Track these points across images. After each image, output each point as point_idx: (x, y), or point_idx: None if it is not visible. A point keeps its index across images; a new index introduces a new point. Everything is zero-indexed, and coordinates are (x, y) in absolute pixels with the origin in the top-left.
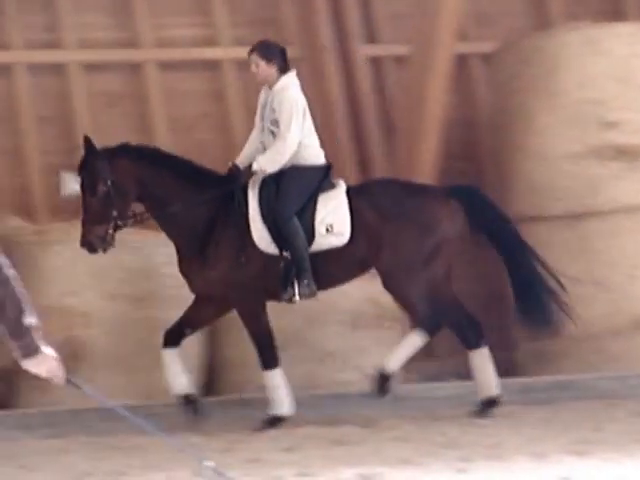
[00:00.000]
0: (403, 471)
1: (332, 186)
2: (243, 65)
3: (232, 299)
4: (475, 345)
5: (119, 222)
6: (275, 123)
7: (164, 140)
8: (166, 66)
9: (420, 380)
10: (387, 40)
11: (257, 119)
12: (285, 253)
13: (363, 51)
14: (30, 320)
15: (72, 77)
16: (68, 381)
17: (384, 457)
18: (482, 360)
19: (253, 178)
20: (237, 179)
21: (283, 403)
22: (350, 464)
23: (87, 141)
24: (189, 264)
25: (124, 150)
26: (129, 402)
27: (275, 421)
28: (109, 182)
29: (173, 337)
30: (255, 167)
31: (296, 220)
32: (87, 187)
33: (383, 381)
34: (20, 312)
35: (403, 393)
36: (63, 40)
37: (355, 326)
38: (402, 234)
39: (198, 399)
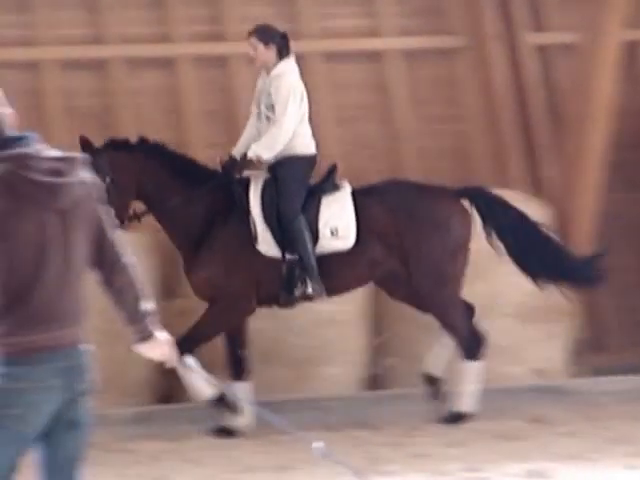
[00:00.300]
0: (572, 467)
1: (336, 188)
2: (407, 56)
3: (216, 301)
4: (472, 357)
5: (116, 220)
6: (271, 108)
7: (328, 131)
8: (330, 57)
9: (591, 374)
10: (554, 28)
11: (253, 106)
12: (288, 256)
13: (530, 39)
14: (146, 305)
15: (235, 70)
16: (179, 365)
17: (552, 452)
18: (473, 374)
19: (254, 172)
20: (230, 173)
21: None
22: (517, 459)
23: (83, 140)
24: (186, 263)
25: (121, 145)
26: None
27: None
28: (107, 179)
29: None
30: (250, 154)
31: (303, 218)
32: None
33: (434, 384)
34: (138, 298)
35: (572, 387)
36: (227, 32)
37: (523, 319)
38: (425, 239)
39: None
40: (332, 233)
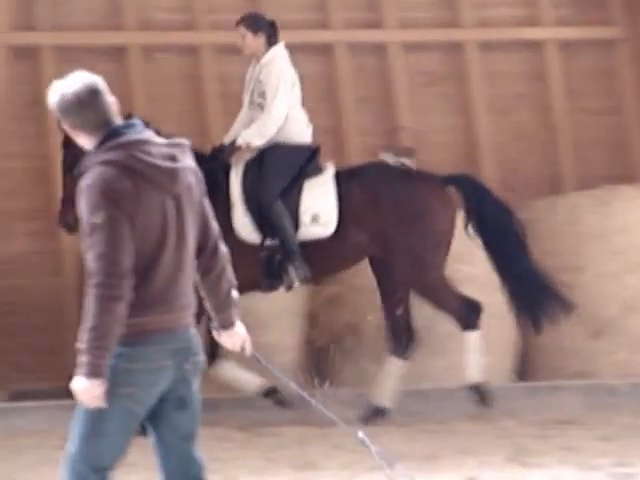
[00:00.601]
0: None
1: (319, 171)
2: (565, 46)
3: None
4: (468, 326)
5: None
6: (262, 95)
7: (482, 121)
8: (486, 46)
9: None
10: None
11: (245, 94)
12: (268, 241)
13: None
14: (235, 294)
15: (392, 57)
16: (253, 355)
17: None
18: (472, 344)
19: (236, 157)
20: (216, 158)
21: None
22: None
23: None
24: None
25: None
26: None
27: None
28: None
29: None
30: (240, 141)
31: (280, 203)
32: (66, 166)
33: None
34: (231, 287)
35: None
36: (384, 20)
37: None
38: (406, 226)
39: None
40: (313, 219)
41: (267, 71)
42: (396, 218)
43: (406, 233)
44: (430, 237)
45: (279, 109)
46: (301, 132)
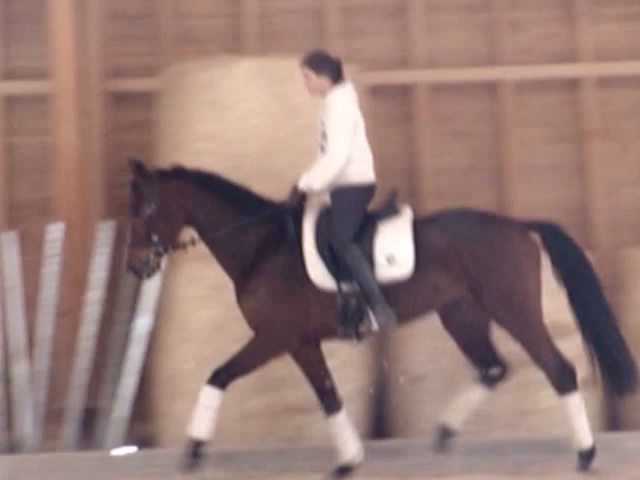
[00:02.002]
0: None
1: (394, 214)
2: None
3: (260, 332)
4: (566, 391)
5: (159, 248)
6: (324, 137)
7: None
8: None
9: None
10: None
11: (317, 137)
12: (345, 287)
13: None
14: None
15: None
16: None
17: None
18: (573, 408)
19: (311, 203)
20: (286, 203)
21: (199, 426)
22: None
23: (133, 164)
24: (237, 293)
25: (175, 173)
26: None
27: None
28: (153, 205)
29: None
30: (300, 185)
31: (356, 246)
32: (133, 208)
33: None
34: None
35: None
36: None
37: None
38: (493, 264)
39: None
40: (388, 260)
41: (328, 112)
42: (478, 257)
43: (492, 271)
44: (518, 279)
45: (341, 152)
46: (362, 174)
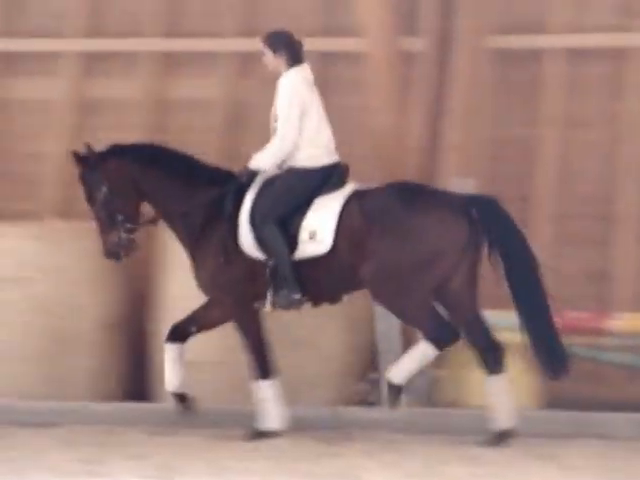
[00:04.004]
0: None
1: (337, 188)
2: None
3: (222, 302)
4: (494, 370)
5: (128, 225)
6: (276, 118)
7: None
8: None
9: None
10: None
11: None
12: (270, 261)
13: None
14: None
15: None
16: None
17: None
18: (499, 388)
19: (258, 180)
20: (234, 179)
21: (271, 418)
22: None
23: (74, 155)
24: (191, 264)
25: (113, 152)
26: None
27: (260, 435)
28: (103, 188)
29: (178, 333)
30: (252, 164)
31: (272, 226)
32: (87, 198)
33: (395, 393)
34: None
35: None
36: None
37: None
38: (386, 242)
39: (190, 398)
40: (310, 237)
41: (279, 94)
42: (387, 237)
43: (391, 251)
44: (414, 259)
45: (287, 135)
46: (315, 158)
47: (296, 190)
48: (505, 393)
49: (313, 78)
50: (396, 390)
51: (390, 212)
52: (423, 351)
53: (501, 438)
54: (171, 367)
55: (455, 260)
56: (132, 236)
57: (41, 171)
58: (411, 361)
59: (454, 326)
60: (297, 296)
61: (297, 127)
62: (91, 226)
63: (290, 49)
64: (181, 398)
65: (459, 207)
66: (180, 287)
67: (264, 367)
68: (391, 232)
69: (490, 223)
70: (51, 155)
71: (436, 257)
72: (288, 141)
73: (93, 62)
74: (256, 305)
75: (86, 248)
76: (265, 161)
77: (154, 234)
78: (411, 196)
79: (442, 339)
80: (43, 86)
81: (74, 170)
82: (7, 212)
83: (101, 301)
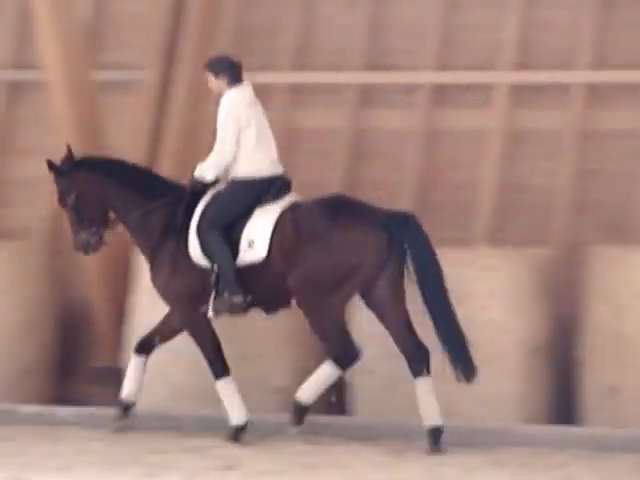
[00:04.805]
0: None
1: (277, 199)
2: None
3: (173, 309)
4: (419, 372)
5: (93, 229)
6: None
7: None
8: None
9: None
10: None
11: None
12: (214, 267)
13: None
14: None
15: None
16: None
17: None
18: (426, 389)
19: (209, 190)
20: (184, 189)
21: (236, 412)
22: None
23: (48, 163)
24: (149, 271)
25: (81, 165)
26: None
27: (238, 432)
28: (72, 195)
29: (143, 345)
30: (195, 174)
31: (215, 233)
32: (59, 201)
33: (300, 412)
34: None
35: None
36: None
37: None
38: (311, 252)
39: (130, 412)
40: (249, 245)
41: (219, 111)
42: (312, 248)
43: (315, 260)
44: (330, 266)
45: (225, 149)
46: (252, 169)
47: (237, 199)
48: (431, 394)
49: (253, 96)
50: (302, 409)
51: (317, 224)
52: (328, 371)
53: (432, 435)
54: (129, 376)
55: (374, 272)
56: (98, 237)
57: (472, 200)
58: (316, 382)
59: (356, 346)
60: (239, 299)
61: (233, 142)
62: (521, 253)
63: (230, 71)
64: (126, 408)
65: (380, 222)
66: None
67: (220, 367)
68: (316, 243)
69: (407, 237)
70: (483, 184)
71: (356, 269)
72: (225, 153)
73: (523, 93)
74: (202, 309)
75: (515, 273)
76: (206, 172)
77: None
78: (338, 209)
79: (344, 359)
80: (474, 117)
81: (504, 198)
82: (440, 239)
83: (528, 325)
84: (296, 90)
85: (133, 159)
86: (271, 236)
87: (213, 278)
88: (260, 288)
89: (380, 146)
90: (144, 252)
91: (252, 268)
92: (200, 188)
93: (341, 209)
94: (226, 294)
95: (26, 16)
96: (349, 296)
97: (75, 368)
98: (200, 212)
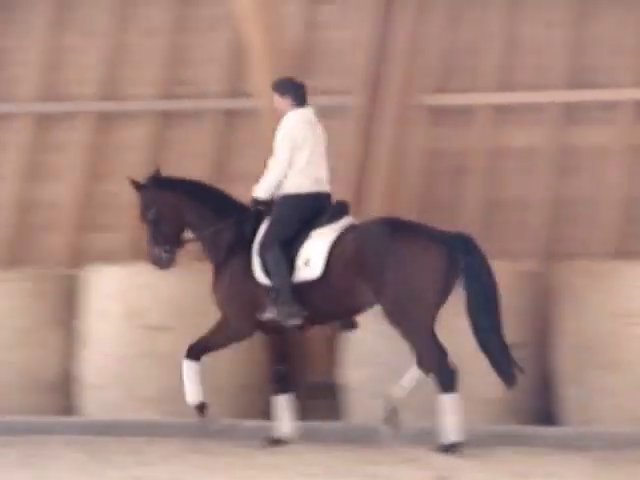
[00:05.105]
0: None
1: (331, 222)
2: None
3: (224, 318)
4: (448, 389)
5: (166, 247)
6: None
7: None
8: None
9: None
10: None
11: None
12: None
13: None
14: None
15: None
16: None
17: None
18: (451, 405)
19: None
20: (250, 208)
21: (192, 393)
22: None
23: (132, 181)
24: (212, 282)
25: (162, 183)
26: None
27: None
28: (153, 211)
29: (280, 382)
30: (254, 193)
31: (277, 249)
32: (140, 215)
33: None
34: None
35: None
36: None
37: None
38: (393, 276)
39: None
40: (305, 263)
41: (278, 130)
42: (379, 263)
43: (388, 277)
44: (410, 284)
45: (278, 168)
46: (300, 185)
47: (285, 214)
48: (456, 410)
49: (313, 118)
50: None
51: (378, 243)
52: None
53: (450, 449)
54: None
55: (446, 284)
56: (169, 255)
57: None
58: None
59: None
60: (294, 309)
61: (286, 160)
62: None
63: (295, 93)
64: (201, 408)
65: (440, 240)
66: None
67: (201, 353)
68: (390, 260)
69: (466, 257)
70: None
71: (434, 281)
72: (277, 172)
73: (574, 112)
74: (261, 316)
75: (628, 285)
76: (262, 190)
77: None
78: (398, 230)
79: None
80: (528, 134)
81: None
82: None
83: None
84: (500, 110)
85: (341, 182)
86: (327, 256)
87: (272, 293)
88: (313, 303)
89: (582, 162)
90: (212, 266)
91: (309, 284)
92: (264, 208)
93: (399, 228)
94: (283, 307)
95: (240, 47)
96: (434, 310)
97: (291, 384)
98: (263, 231)
